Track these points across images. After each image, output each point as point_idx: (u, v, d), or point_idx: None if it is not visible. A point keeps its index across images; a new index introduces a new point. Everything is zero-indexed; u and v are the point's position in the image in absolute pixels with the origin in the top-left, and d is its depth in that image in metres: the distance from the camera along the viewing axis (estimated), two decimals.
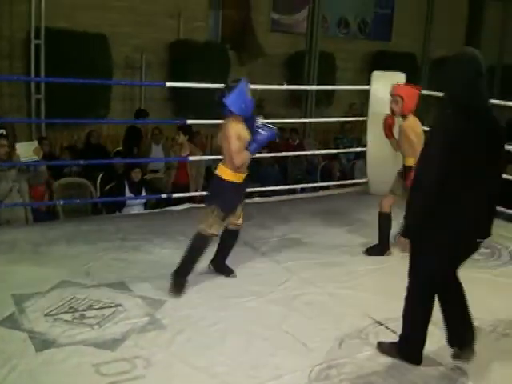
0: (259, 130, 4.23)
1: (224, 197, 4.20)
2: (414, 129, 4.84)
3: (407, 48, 13.22)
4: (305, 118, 11.29)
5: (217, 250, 4.54)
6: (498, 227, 5.94)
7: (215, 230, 4.25)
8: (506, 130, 3.32)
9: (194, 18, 10.83)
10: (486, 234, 3.26)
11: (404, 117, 4.89)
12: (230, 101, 4.12)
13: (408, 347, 3.39)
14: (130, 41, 10.03)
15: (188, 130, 7.13)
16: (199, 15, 11.00)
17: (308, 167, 9.77)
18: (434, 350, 3.49)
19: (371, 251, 5.09)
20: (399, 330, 3.60)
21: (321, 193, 7.34)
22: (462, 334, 3.41)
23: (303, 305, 4.09)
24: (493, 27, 15.32)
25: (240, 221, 4.46)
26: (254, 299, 4.13)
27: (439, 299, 3.37)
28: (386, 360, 3.43)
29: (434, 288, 3.31)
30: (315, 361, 3.37)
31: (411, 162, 4.69)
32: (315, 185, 7.58)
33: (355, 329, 3.75)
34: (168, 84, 7.13)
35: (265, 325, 3.77)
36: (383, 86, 6.41)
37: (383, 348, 3.49)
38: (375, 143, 6.24)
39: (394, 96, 4.87)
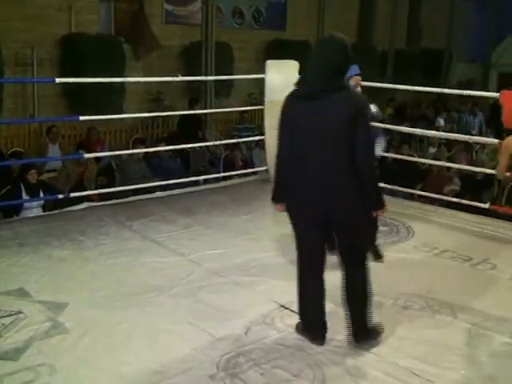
0: None
1: None
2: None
3: (302, 36, 13.45)
4: (204, 109, 11.26)
5: None
6: (396, 205, 6.29)
7: None
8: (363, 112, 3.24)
9: (85, 10, 10.50)
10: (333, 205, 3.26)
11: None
12: None
13: (303, 323, 3.54)
14: (19, 36, 9.59)
15: None
16: (90, 8, 10.69)
17: (211, 158, 9.77)
18: (335, 329, 3.60)
19: None
20: None
21: (223, 183, 7.36)
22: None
23: (208, 295, 4.09)
24: (385, 13, 15.90)
25: None
26: (159, 294, 4.09)
27: None
28: (293, 342, 3.49)
29: (305, 257, 3.44)
30: (223, 350, 3.38)
31: None
32: (217, 175, 7.57)
33: (261, 314, 3.80)
34: (58, 80, 6.85)
35: (170, 319, 3.75)
36: (278, 74, 6.51)
37: (297, 328, 3.60)
38: (272, 131, 6.25)
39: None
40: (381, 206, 3.34)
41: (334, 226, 3.36)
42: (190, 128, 10.05)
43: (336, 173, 3.19)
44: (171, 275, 4.42)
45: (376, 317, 3.84)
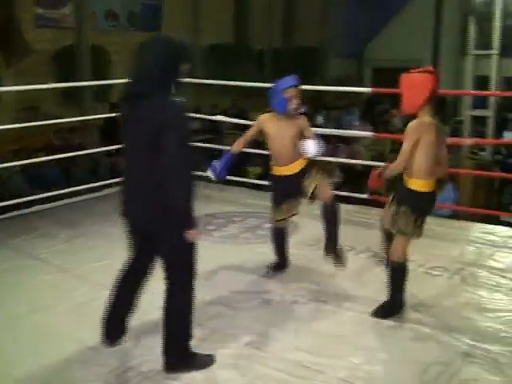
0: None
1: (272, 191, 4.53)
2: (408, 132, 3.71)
3: (178, 38, 13.39)
4: (83, 115, 10.93)
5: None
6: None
7: (277, 216, 4.51)
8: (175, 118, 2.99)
9: None
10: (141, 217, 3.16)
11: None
12: (269, 98, 4.31)
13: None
14: None
15: None
16: None
17: (93, 166, 9.51)
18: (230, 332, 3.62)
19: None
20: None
21: (107, 191, 7.17)
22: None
23: (95, 310, 3.89)
24: (260, 12, 16.15)
25: (326, 194, 4.42)
26: (43, 314, 3.93)
27: None
28: None
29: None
30: (111, 366, 3.30)
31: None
32: (100, 184, 7.35)
33: (151, 324, 3.71)
34: None
35: (56, 338, 3.61)
36: None
37: None
38: None
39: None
40: (189, 226, 3.05)
41: (149, 237, 3.20)
42: (115, 133, 9.87)
43: (146, 183, 3.04)
44: (56, 293, 4.25)
45: (264, 314, 3.92)
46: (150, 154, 2.97)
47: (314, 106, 14.89)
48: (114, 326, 3.42)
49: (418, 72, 3.74)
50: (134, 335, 3.61)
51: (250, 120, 10.81)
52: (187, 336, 3.27)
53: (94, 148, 8.58)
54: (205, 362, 3.33)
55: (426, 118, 3.67)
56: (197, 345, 3.48)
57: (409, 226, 3.79)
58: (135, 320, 3.76)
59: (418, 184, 3.75)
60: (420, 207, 3.82)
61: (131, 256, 3.35)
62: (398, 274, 3.91)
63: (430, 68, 3.84)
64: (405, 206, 3.79)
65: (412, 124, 3.70)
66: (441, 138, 3.75)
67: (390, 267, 3.94)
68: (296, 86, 4.25)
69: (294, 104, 4.21)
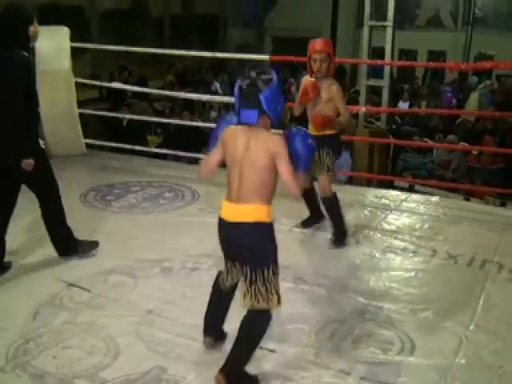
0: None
1: (274, 248, 2.95)
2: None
3: (74, 1, 12.90)
4: None
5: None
6: (181, 170, 6.40)
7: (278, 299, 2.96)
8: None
9: None
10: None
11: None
12: (268, 98, 2.77)
13: None
14: None
15: None
16: None
17: None
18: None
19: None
20: (92, 287, 3.78)
21: None
22: None
23: None
24: None
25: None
26: None
27: None
28: (83, 320, 3.43)
29: None
30: (10, 340, 3.21)
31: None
32: None
33: (49, 296, 3.66)
34: None
35: None
36: (49, 41, 6.16)
37: None
38: (47, 102, 5.90)
39: (321, 53, 4.21)
40: (23, 156, 3.65)
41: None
42: None
43: None
44: None
45: (166, 282, 3.93)
46: None
47: (214, 73, 14.84)
48: None
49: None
50: (33, 307, 3.54)
51: (150, 87, 10.70)
52: (66, 230, 4.07)
53: None
54: (90, 246, 4.20)
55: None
56: (98, 314, 3.50)
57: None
58: (31, 294, 3.70)
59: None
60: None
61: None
62: (333, 205, 4.53)
63: None
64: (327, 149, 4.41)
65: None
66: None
67: (325, 205, 4.57)
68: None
69: None
